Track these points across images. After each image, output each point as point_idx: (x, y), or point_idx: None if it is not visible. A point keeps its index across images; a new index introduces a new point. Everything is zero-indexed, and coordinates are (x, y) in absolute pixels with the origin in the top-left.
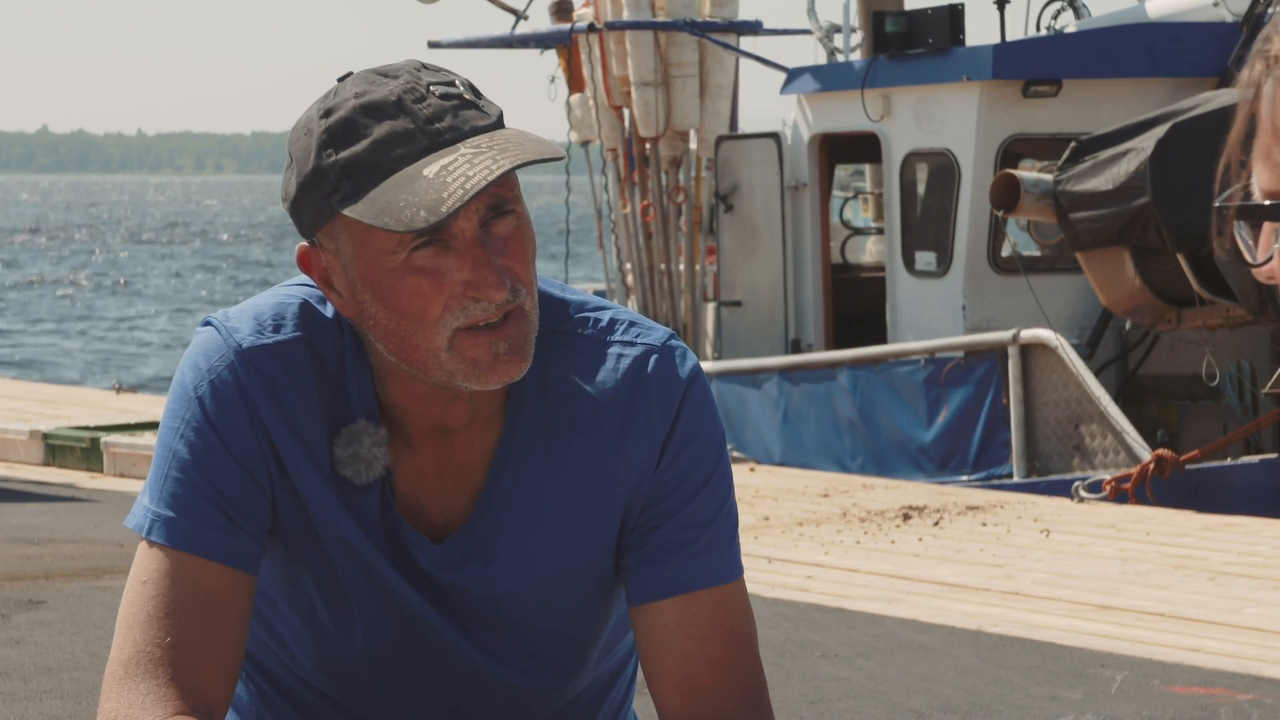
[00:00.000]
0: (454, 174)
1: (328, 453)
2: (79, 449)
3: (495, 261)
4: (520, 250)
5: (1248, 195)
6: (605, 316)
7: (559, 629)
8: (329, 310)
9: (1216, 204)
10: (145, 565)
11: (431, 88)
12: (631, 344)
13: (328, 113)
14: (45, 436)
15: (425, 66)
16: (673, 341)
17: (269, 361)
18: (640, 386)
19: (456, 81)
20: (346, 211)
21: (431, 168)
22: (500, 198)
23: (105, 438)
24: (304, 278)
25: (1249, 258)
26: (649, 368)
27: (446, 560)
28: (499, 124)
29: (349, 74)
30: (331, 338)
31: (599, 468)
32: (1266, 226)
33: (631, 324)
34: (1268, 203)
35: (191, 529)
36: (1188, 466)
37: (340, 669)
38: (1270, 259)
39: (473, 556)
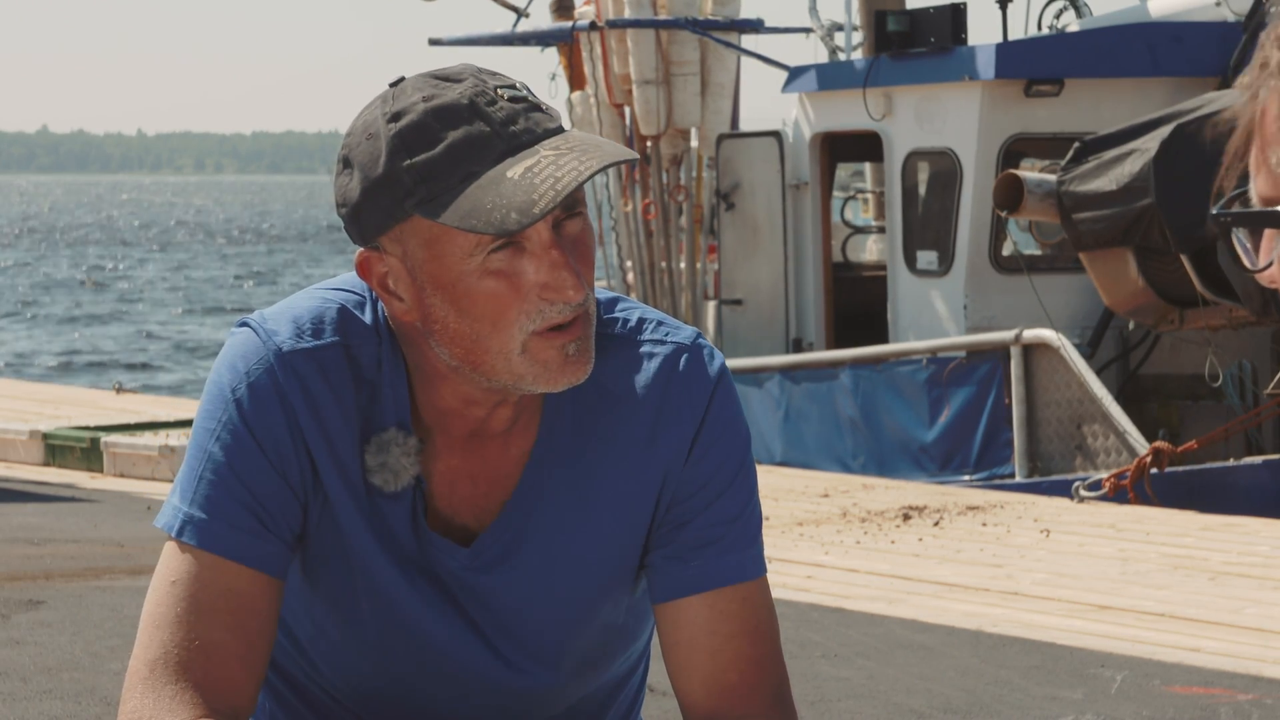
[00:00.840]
0: (540, 175)
1: (358, 462)
2: (79, 449)
3: (571, 263)
4: (588, 252)
5: (1246, 202)
6: (634, 316)
7: (579, 628)
8: (366, 316)
9: (1214, 211)
10: (174, 565)
11: (499, 90)
12: (661, 342)
13: (396, 116)
14: (45, 436)
15: (483, 70)
16: (701, 340)
17: (308, 366)
18: (671, 385)
19: (517, 84)
20: (430, 216)
21: (515, 170)
22: (573, 199)
23: (105, 438)
24: (338, 281)
25: (1248, 263)
26: (679, 366)
27: (476, 562)
28: (562, 127)
29: (401, 78)
30: (369, 344)
31: (631, 467)
32: (1266, 232)
33: (660, 323)
34: (1265, 209)
35: (223, 532)
36: (1189, 465)
37: (356, 674)
38: (1271, 264)
39: (503, 557)
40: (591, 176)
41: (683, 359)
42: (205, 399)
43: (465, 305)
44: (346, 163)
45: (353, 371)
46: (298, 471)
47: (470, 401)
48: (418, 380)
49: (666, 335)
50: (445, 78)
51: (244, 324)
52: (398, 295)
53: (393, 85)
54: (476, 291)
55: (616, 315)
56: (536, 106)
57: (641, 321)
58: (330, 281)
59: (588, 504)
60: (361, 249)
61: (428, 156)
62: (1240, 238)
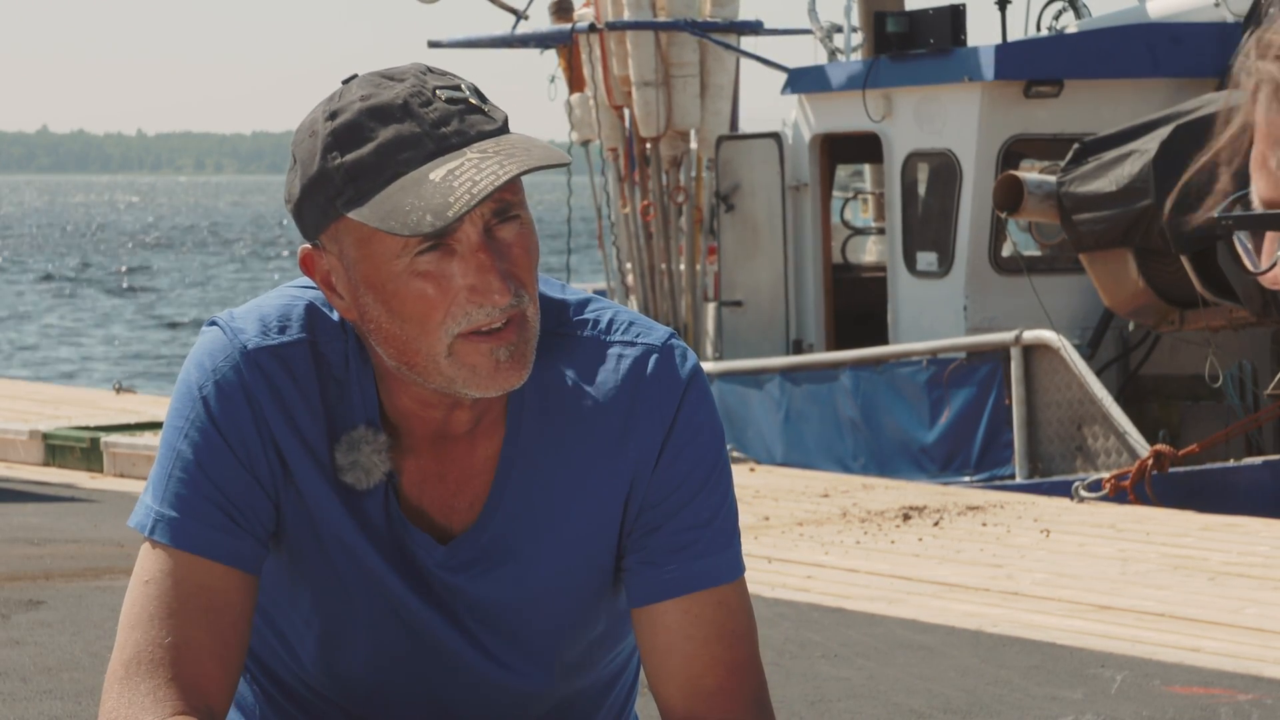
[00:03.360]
0: (460, 179)
1: (330, 456)
2: (79, 449)
3: (499, 266)
4: (524, 256)
5: (1247, 204)
6: (605, 316)
7: (559, 629)
8: (335, 313)
9: (1216, 214)
10: (147, 565)
11: (438, 92)
12: (632, 344)
13: (333, 115)
14: (45, 436)
15: (431, 70)
16: (673, 341)
17: (273, 363)
18: (640, 387)
19: (462, 85)
20: (352, 215)
21: (438, 172)
22: (505, 202)
23: (105, 438)
24: (309, 279)
25: (1250, 265)
26: (649, 368)
27: (452, 561)
28: (504, 129)
29: (354, 76)
30: (336, 341)
31: (601, 468)
32: (1268, 235)
33: (631, 324)
34: (1267, 213)
35: (194, 529)
36: (1189, 466)
37: (342, 670)
38: (1273, 266)
39: (479, 558)
40: (508, 181)
41: (652, 360)
42: (174, 398)
43: (395, 306)
44: (294, 159)
45: (319, 368)
46: (266, 468)
47: (424, 404)
48: (380, 379)
49: (637, 336)
50: (390, 76)
51: (213, 323)
52: (338, 293)
53: (345, 82)
54: (405, 292)
55: (587, 316)
56: (476, 109)
57: (612, 322)
58: (302, 279)
59: (559, 505)
60: (304, 246)
61: (357, 155)
62: (1242, 240)
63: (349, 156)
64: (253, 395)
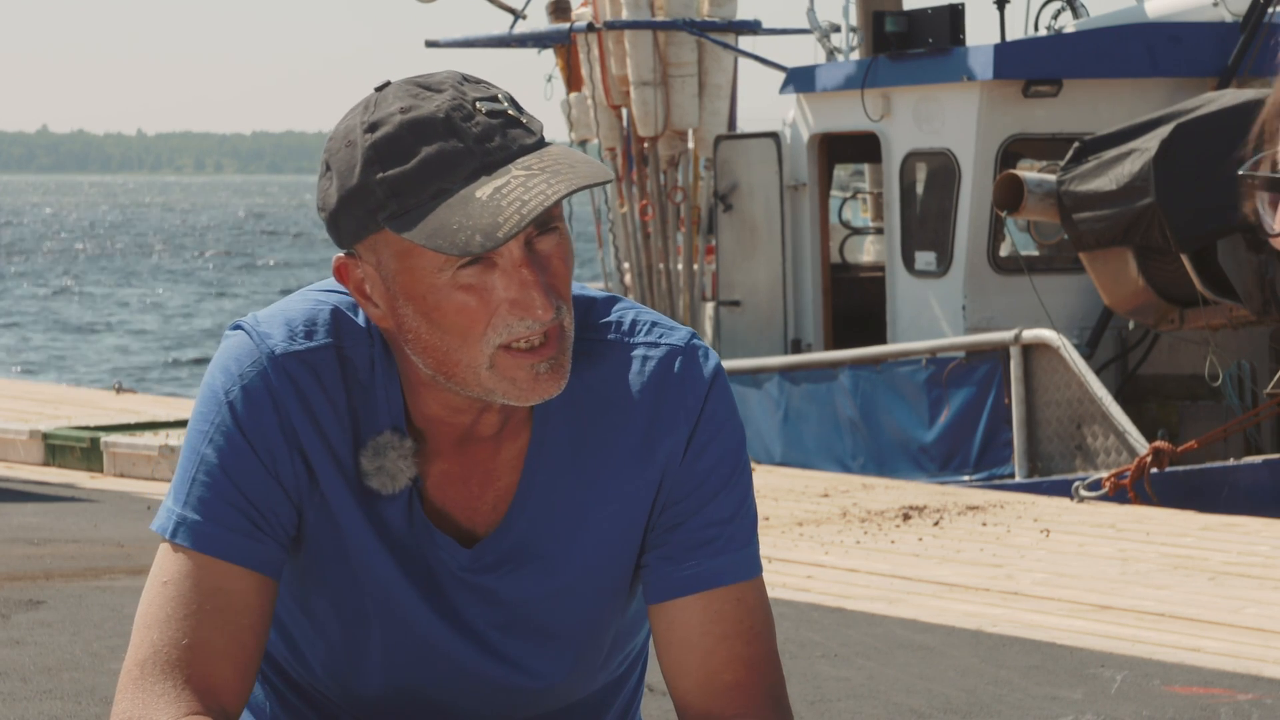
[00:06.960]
0: (508, 197)
1: (354, 462)
2: (79, 449)
3: (541, 280)
4: (562, 267)
5: (1273, 167)
6: (627, 318)
7: (583, 628)
8: (360, 318)
9: (1241, 172)
10: (167, 566)
11: (478, 104)
12: (655, 345)
13: (373, 127)
14: (45, 436)
15: (467, 79)
16: (695, 341)
17: (300, 368)
18: (665, 388)
19: (500, 96)
20: (396, 232)
21: (484, 190)
22: (548, 214)
23: (105, 438)
24: (333, 283)
25: (1268, 227)
26: (674, 369)
27: (477, 564)
28: (542, 141)
29: (387, 83)
30: (362, 345)
31: (627, 469)
32: None
33: (654, 325)
34: None
35: (215, 533)
36: (1189, 465)
37: (352, 679)
38: None
39: (504, 560)
40: (558, 201)
41: (677, 361)
42: (199, 401)
43: (435, 317)
44: (327, 166)
45: (345, 373)
46: (291, 473)
47: (454, 409)
48: (406, 384)
49: (660, 337)
50: (427, 86)
51: (238, 326)
52: (373, 302)
53: (378, 89)
54: (446, 305)
55: (611, 318)
56: (515, 121)
57: (635, 324)
58: (325, 283)
59: (584, 506)
60: (339, 254)
61: (400, 171)
62: (1262, 203)
63: (391, 172)
64: (279, 401)
